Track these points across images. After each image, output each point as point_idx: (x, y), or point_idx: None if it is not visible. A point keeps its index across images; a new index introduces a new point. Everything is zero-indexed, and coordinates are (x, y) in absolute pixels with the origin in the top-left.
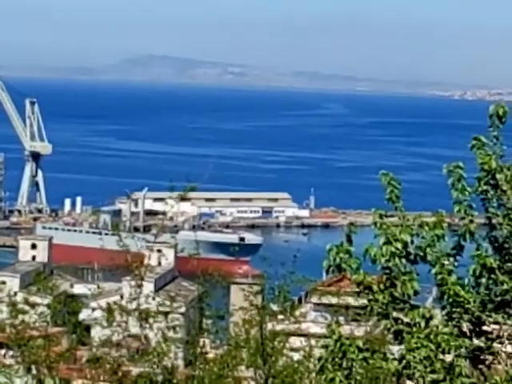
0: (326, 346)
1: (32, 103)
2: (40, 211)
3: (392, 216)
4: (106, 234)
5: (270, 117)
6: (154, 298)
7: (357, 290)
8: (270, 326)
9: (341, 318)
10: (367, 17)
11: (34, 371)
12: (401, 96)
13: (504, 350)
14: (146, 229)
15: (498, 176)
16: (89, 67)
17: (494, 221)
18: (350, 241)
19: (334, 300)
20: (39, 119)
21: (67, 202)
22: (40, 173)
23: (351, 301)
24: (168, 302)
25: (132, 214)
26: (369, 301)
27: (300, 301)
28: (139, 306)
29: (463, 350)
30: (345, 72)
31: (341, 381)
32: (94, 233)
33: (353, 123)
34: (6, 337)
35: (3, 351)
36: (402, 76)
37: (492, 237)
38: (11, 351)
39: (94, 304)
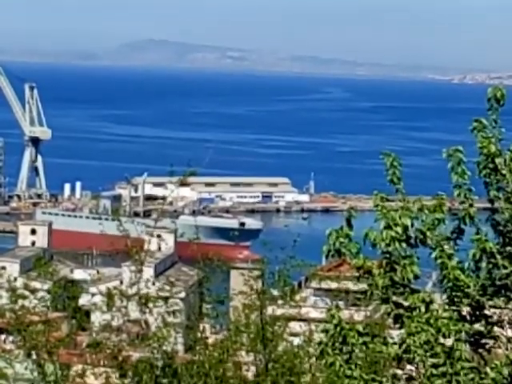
0: (326, 331)
1: (31, 88)
2: (40, 196)
3: (393, 201)
4: (106, 219)
5: (270, 101)
6: (153, 283)
7: (356, 274)
8: (270, 310)
9: (341, 303)
10: (366, 1)
11: (34, 356)
12: (401, 80)
13: (504, 334)
14: (146, 214)
15: (497, 160)
16: (88, 52)
17: (495, 204)
18: (349, 225)
19: (333, 285)
20: (39, 104)
21: (67, 187)
22: (39, 158)
23: (351, 285)
24: (168, 287)
25: (132, 198)
26: (369, 285)
27: (300, 285)
28: (139, 291)
29: (463, 334)
30: (345, 56)
31: (341, 365)
32: (93, 218)
33: (353, 108)
34: (5, 322)
35: (3, 336)
36: (402, 60)
37: (493, 220)
38: (11, 336)
39: (93, 289)
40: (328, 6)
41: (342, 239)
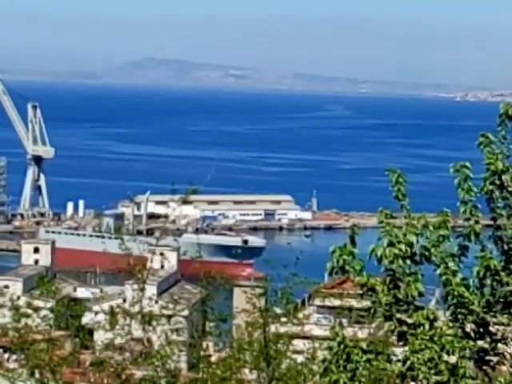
0: (329, 348)
1: (34, 107)
2: (43, 215)
3: (397, 217)
4: (109, 238)
5: (272, 119)
6: (156, 302)
7: (360, 291)
8: (273, 328)
9: (344, 320)
10: (368, 18)
11: (37, 375)
12: (403, 98)
13: (509, 351)
14: (149, 232)
15: (503, 177)
16: (90, 71)
17: (499, 221)
18: (353, 242)
19: (336, 302)
20: (41, 123)
21: (70, 205)
22: (42, 177)
23: (354, 303)
24: (171, 305)
25: (135, 217)
26: (372, 302)
27: (303, 303)
28: (142, 309)
29: (467, 351)
30: (347, 74)
31: (345, 383)
32: (96, 236)
33: (355, 125)
34: (9, 341)
35: (6, 355)
36: (405, 78)
37: (497, 237)
38: (14, 355)
39: (96, 307)
40: (330, 23)
41: (345, 256)
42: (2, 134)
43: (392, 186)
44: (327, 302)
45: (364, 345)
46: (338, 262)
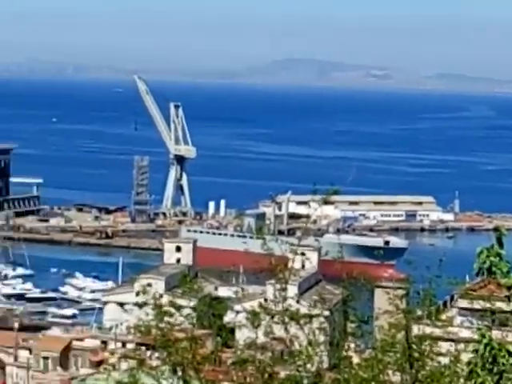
0: (475, 351)
1: (176, 107)
2: (185, 214)
3: None
4: (251, 238)
5: (415, 119)
6: (297, 301)
7: (507, 293)
8: (415, 329)
9: (489, 323)
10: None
11: (179, 373)
12: None
13: None
14: (290, 232)
15: None
16: (232, 70)
17: None
18: (500, 244)
19: (480, 304)
20: (183, 123)
21: (211, 205)
22: (184, 176)
23: (500, 305)
24: (317, 304)
25: (276, 217)
26: None
27: (445, 305)
28: (284, 308)
29: None
30: (490, 74)
31: None
32: (238, 236)
33: (499, 126)
34: (152, 339)
35: (149, 353)
36: None
37: None
38: (156, 353)
39: (238, 307)
40: (475, 24)
41: (492, 258)
42: (145, 133)
43: None
44: (471, 304)
45: (511, 348)
46: (484, 263)
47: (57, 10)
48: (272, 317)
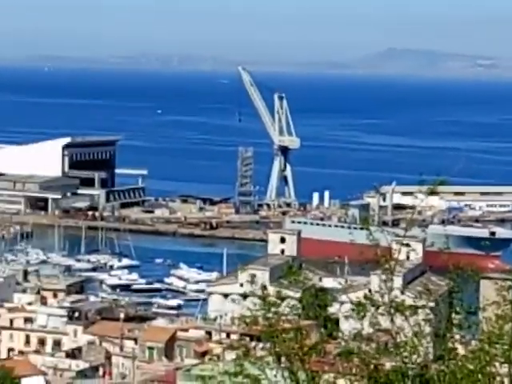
0: None
1: (280, 98)
2: (289, 205)
3: None
4: (355, 228)
5: None
6: (402, 292)
7: None
8: None
9: None
10: None
11: (284, 363)
12: None
13: None
14: (395, 223)
15: None
16: (336, 61)
17: None
18: None
19: None
20: (287, 114)
21: (315, 196)
22: (288, 167)
23: None
24: (419, 296)
25: (380, 207)
26: None
27: None
28: (389, 300)
29: None
30: None
31: None
32: (342, 227)
33: None
34: (258, 329)
35: (253, 343)
36: None
37: None
38: (261, 343)
39: (343, 297)
40: None
41: None
42: (249, 124)
43: None
44: None
45: None
46: None
47: (162, 4)
48: (377, 308)
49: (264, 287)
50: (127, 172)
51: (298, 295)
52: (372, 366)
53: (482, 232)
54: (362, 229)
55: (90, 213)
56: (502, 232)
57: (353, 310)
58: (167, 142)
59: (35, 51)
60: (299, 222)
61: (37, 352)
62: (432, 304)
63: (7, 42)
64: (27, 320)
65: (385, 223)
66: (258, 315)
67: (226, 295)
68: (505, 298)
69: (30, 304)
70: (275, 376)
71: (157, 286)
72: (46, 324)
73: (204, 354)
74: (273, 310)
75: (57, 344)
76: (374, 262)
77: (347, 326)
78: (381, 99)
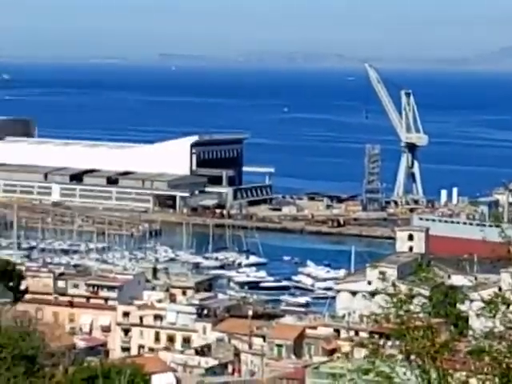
0: None
1: (407, 94)
2: (416, 202)
3: None
4: (484, 225)
5: None
6: None
7: None
8: None
9: None
10: None
11: (415, 361)
12: None
13: None
14: None
15: None
16: (461, 58)
17: None
18: None
19: None
20: (415, 110)
21: (443, 193)
22: (416, 164)
23: None
24: None
25: (510, 204)
26: None
27: None
28: None
29: None
30: None
31: None
32: (471, 224)
33: None
34: (389, 327)
35: (382, 341)
36: None
37: None
38: (389, 341)
39: (473, 295)
40: None
41: None
42: (376, 121)
43: None
44: None
45: None
46: None
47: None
48: (508, 306)
49: (394, 285)
50: (254, 170)
51: (427, 293)
52: (504, 365)
53: None
54: (490, 226)
55: (217, 211)
56: None
57: (483, 308)
58: (294, 140)
59: (163, 50)
60: (427, 219)
61: (166, 349)
62: None
63: (137, 43)
64: (157, 317)
65: None
66: (390, 313)
67: (354, 293)
68: None
69: (159, 301)
70: (404, 374)
71: (285, 283)
72: (175, 321)
73: (332, 351)
74: (404, 307)
75: (186, 341)
76: (507, 259)
77: (478, 324)
78: (506, 95)
